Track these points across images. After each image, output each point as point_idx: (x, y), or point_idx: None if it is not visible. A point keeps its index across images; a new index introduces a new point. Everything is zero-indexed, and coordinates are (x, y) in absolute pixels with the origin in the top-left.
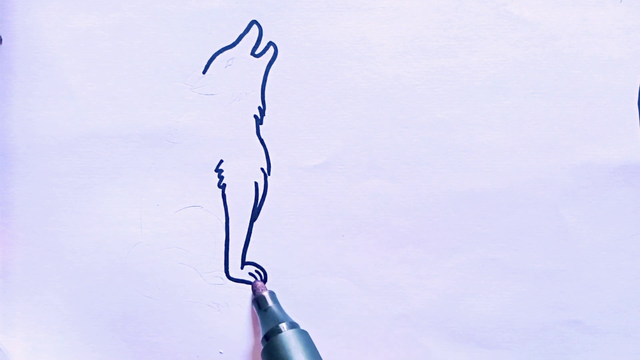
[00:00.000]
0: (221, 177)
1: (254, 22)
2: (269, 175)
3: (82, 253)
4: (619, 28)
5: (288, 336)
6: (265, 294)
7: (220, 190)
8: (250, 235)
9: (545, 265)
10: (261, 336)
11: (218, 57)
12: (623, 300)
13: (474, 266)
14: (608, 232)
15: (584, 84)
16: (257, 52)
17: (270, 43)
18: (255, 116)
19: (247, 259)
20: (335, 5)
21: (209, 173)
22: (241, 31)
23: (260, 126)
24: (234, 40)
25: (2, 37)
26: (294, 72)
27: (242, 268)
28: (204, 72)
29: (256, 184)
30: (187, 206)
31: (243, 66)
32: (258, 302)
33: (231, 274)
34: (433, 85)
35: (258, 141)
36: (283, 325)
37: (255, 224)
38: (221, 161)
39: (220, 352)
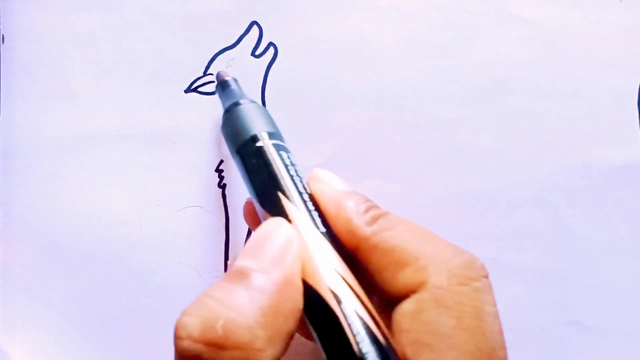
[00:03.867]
0: (221, 177)
1: (254, 22)
2: None
3: (82, 253)
4: (619, 28)
5: (248, 106)
6: (229, 78)
7: (220, 190)
8: (250, 235)
9: (545, 265)
10: (222, 113)
11: (218, 58)
12: (623, 300)
13: None
14: (608, 232)
15: (584, 84)
16: (257, 53)
17: (271, 44)
18: None
19: None
20: (335, 5)
21: (209, 173)
22: (241, 32)
23: None
24: (234, 41)
25: (5, 38)
26: (294, 72)
27: None
28: (204, 73)
29: None
30: (187, 206)
31: (243, 67)
32: (221, 85)
33: None
34: (433, 85)
35: None
36: (244, 101)
37: None
38: (221, 161)
39: None
